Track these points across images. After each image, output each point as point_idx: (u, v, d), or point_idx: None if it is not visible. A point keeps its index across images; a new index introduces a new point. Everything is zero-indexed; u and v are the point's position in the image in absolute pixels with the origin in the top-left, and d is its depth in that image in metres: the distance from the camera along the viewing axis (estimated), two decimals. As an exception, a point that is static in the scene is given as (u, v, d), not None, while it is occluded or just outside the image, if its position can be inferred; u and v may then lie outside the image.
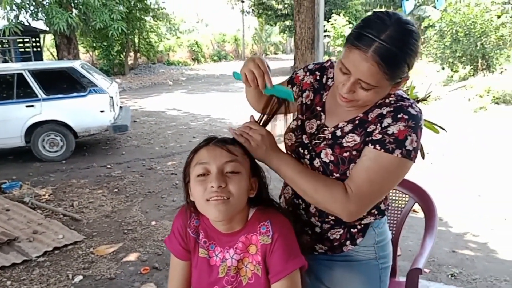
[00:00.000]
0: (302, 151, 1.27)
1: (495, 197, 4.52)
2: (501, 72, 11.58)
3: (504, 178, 5.11)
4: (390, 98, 1.17)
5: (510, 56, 12.65)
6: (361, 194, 1.13)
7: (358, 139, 1.17)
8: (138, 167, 5.96)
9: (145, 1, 18.40)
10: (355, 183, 1.13)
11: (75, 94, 6.37)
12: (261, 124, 1.25)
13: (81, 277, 3.17)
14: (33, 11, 13.08)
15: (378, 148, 1.11)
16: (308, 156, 1.25)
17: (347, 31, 16.52)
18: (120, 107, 7.58)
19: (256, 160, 1.23)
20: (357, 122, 1.19)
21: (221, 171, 1.11)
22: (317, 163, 1.22)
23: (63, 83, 6.47)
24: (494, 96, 9.89)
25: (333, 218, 1.26)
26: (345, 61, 1.09)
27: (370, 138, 1.14)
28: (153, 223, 4.11)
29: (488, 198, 4.52)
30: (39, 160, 6.31)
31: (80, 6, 13.08)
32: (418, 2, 18.76)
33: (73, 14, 12.90)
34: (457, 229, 3.81)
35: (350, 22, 18.39)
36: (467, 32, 12.23)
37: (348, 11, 21.68)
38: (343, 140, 1.19)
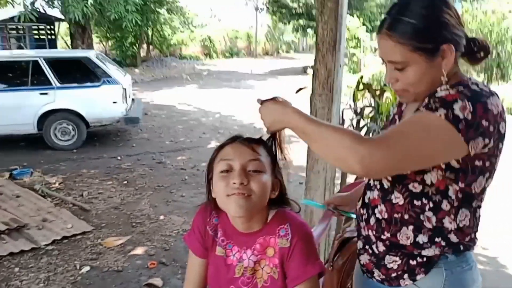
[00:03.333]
0: None
1: (506, 212, 4.46)
2: (516, 82, 11.46)
3: (516, 191, 5.03)
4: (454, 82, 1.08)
5: (525, 67, 12.50)
6: (381, 139, 1.00)
7: None
8: (148, 160, 5.98)
9: (160, -6, 18.41)
10: (382, 132, 1.06)
11: (88, 84, 6.40)
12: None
13: (88, 268, 3.19)
14: (49, -1, 13.16)
15: (422, 109, 1.03)
16: None
17: (360, 33, 16.40)
18: (132, 99, 7.59)
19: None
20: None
21: (244, 169, 1.12)
22: None
23: (78, 72, 6.50)
24: (508, 107, 9.77)
25: (388, 236, 1.16)
26: (378, 53, 1.12)
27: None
28: (162, 217, 4.11)
29: (499, 212, 4.46)
30: (50, 148, 6.34)
31: (96, -4, 13.12)
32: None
33: (89, 3, 12.94)
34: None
35: (364, 24, 18.26)
36: (483, 40, 12.09)
37: (363, 12, 21.50)
38: None
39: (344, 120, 2.90)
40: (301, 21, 23.25)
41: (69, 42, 16.10)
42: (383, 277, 1.19)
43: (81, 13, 12.28)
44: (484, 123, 0.97)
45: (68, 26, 15.25)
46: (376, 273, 1.21)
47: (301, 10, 22.20)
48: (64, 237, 3.61)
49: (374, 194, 1.21)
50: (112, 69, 6.80)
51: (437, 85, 1.08)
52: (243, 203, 1.09)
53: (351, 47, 16.54)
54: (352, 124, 2.92)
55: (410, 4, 1.05)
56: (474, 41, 1.12)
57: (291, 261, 1.14)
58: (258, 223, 1.18)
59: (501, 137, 1.04)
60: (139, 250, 3.48)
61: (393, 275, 1.16)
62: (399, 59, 1.06)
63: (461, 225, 1.11)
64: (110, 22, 15.74)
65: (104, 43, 21.39)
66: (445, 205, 1.09)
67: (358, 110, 2.90)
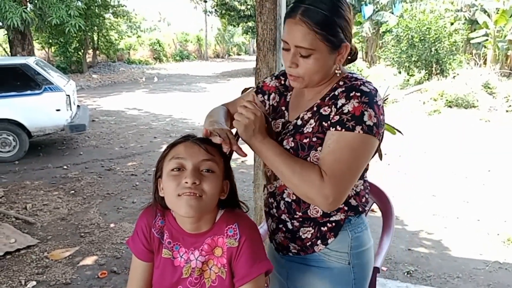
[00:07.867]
0: None
1: (448, 197, 4.72)
2: (454, 76, 12.09)
3: (456, 178, 5.34)
4: (344, 80, 1.21)
5: (462, 62, 13.24)
6: (333, 175, 1.11)
7: (313, 122, 1.20)
8: (97, 168, 5.79)
9: (105, -2, 17.93)
10: (326, 166, 1.13)
11: (29, 92, 6.10)
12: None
13: (34, 283, 3.04)
14: (-16, 5, 12.43)
15: (339, 128, 1.12)
16: None
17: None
18: (78, 106, 7.33)
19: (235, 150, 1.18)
20: (315, 108, 1.22)
21: (197, 168, 1.10)
22: None
23: (16, 80, 6.16)
24: (447, 100, 10.33)
25: (300, 214, 1.25)
26: (283, 36, 1.17)
27: (329, 122, 1.16)
28: (112, 225, 4.00)
29: (442, 197, 4.72)
30: (-11, 161, 6.00)
31: (36, 1, 12.54)
32: (377, 7, 19.25)
33: (28, 9, 12.37)
34: (413, 228, 3.94)
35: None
36: (422, 38, 12.69)
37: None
38: (304, 128, 1.21)
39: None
40: (250, 23, 23.38)
41: (8, 49, 15.32)
42: (299, 248, 1.29)
43: (20, 19, 11.69)
44: (381, 117, 1.16)
45: (6, 32, 14.46)
46: (292, 246, 1.31)
47: (249, 12, 22.31)
48: (7, 253, 3.43)
49: (280, 182, 1.28)
50: (54, 76, 6.52)
51: (326, 78, 1.21)
52: (194, 203, 1.08)
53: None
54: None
55: (329, 1, 1.13)
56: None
57: (239, 260, 1.15)
58: (207, 224, 1.17)
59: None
60: (88, 261, 3.36)
61: (308, 243, 1.27)
62: (308, 45, 1.12)
63: (358, 190, 1.28)
64: (51, 28, 15.14)
65: (46, 49, 20.50)
66: None
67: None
